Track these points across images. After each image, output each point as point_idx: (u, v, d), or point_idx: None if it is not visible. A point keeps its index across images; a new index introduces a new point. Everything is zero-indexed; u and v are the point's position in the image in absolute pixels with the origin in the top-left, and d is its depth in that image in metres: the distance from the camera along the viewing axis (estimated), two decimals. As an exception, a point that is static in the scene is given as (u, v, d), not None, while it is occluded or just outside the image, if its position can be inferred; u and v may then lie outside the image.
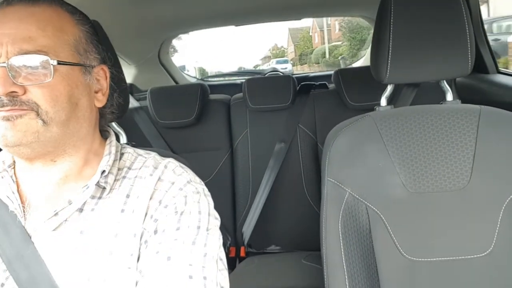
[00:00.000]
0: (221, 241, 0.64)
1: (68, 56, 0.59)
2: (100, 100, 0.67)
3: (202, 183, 0.69)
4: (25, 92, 0.56)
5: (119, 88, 0.73)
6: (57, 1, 0.62)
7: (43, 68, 0.56)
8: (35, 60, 0.56)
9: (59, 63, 0.57)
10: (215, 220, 0.65)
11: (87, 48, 0.63)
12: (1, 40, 0.56)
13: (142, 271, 0.59)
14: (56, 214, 0.61)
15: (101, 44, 0.67)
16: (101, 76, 0.67)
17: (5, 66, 0.55)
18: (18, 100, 0.55)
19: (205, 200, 0.65)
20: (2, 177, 0.64)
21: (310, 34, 23.01)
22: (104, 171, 0.63)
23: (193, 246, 0.59)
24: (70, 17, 0.62)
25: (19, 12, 0.58)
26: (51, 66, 0.56)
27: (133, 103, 1.84)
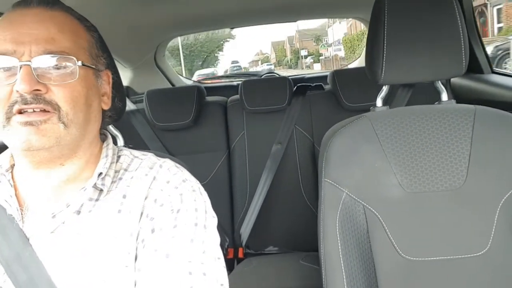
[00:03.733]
0: (219, 240, 0.65)
1: (85, 59, 0.62)
2: (106, 103, 0.69)
3: (198, 182, 0.69)
4: (47, 92, 0.57)
5: (119, 93, 0.76)
6: (69, 8, 0.65)
7: (66, 68, 0.58)
8: (60, 60, 0.58)
9: (83, 64, 0.60)
10: (212, 219, 0.65)
11: (97, 53, 0.66)
12: (23, 39, 0.57)
13: (141, 269, 0.59)
14: (54, 216, 0.61)
15: (107, 51, 0.70)
16: (105, 80, 0.69)
17: (29, 65, 0.56)
18: (42, 99, 0.56)
19: (201, 199, 0.66)
20: (0, 182, 0.64)
21: (284, 47, 38.57)
22: (101, 173, 0.64)
23: (192, 243, 0.60)
24: (81, 23, 0.65)
25: (39, 14, 0.60)
26: (77, 67, 0.59)
27: (129, 105, 1.84)
